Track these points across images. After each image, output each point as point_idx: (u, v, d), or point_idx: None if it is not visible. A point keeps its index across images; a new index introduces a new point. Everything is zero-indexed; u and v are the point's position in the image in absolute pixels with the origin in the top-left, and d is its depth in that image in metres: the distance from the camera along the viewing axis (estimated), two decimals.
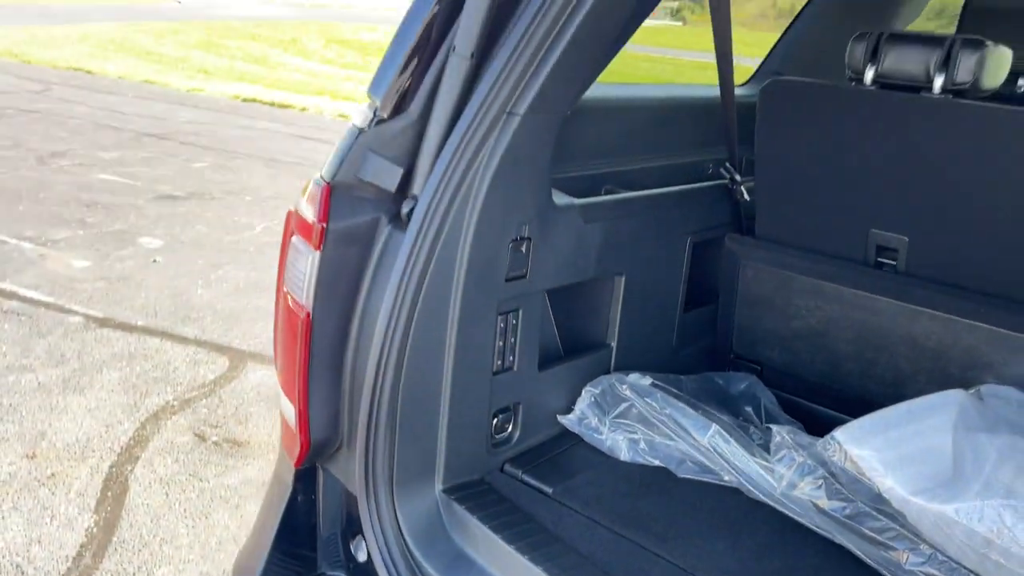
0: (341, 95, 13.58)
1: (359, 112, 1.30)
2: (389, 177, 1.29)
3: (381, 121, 1.29)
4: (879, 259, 1.79)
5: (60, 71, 12.59)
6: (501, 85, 1.26)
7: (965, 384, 1.63)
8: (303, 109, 11.46)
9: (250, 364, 3.83)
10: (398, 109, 1.29)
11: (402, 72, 1.27)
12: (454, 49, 1.25)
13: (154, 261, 5.05)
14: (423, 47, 1.28)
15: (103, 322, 4.13)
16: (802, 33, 2.51)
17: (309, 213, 1.29)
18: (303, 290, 1.29)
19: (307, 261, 1.28)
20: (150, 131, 8.84)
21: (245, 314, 4.38)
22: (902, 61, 1.60)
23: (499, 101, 1.26)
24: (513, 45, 1.25)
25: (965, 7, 2.39)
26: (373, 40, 24.71)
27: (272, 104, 11.65)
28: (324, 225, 1.26)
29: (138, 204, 6.19)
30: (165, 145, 8.25)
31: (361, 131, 1.28)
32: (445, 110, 1.27)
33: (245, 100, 11.79)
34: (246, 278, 4.89)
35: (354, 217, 1.29)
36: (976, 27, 2.36)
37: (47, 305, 4.26)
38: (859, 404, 1.77)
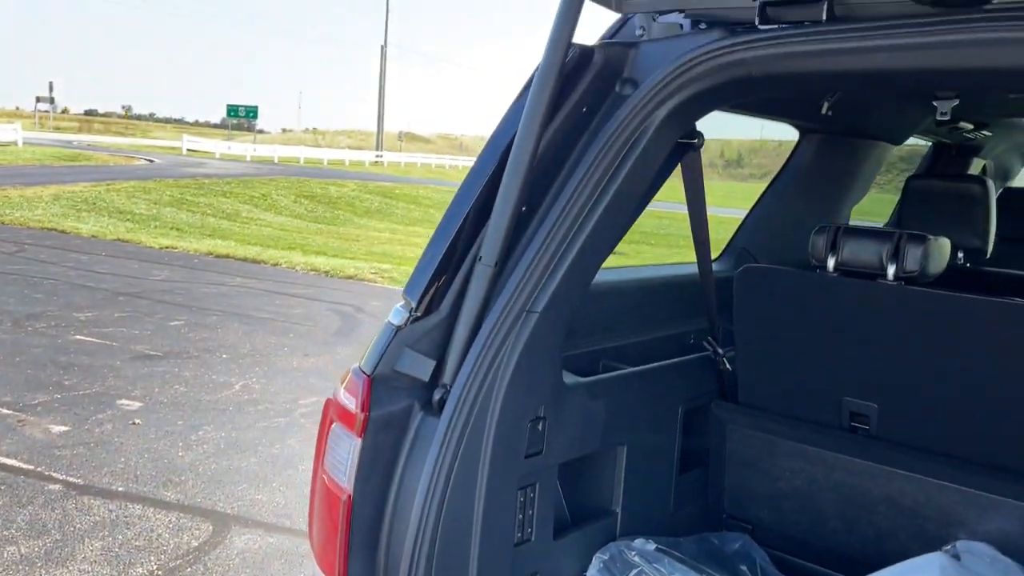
0: (312, 249, 13.94)
1: (396, 312, 1.48)
2: (422, 369, 1.45)
3: (416, 319, 1.46)
4: (853, 424, 1.96)
5: (33, 231, 12.79)
6: (522, 289, 1.45)
7: (941, 540, 1.77)
8: (275, 264, 11.72)
9: (235, 528, 3.82)
10: (430, 309, 1.47)
11: (434, 277, 1.46)
12: (480, 259, 1.45)
13: (133, 423, 5.05)
14: (452, 255, 1.47)
15: (84, 489, 4.10)
16: (765, 212, 2.81)
17: (350, 403, 1.43)
18: (345, 474, 1.41)
19: (348, 447, 1.41)
20: (125, 290, 8.96)
21: (227, 476, 4.38)
22: (858, 252, 1.84)
23: (520, 302, 1.45)
24: (532, 255, 1.45)
25: (905, 191, 2.72)
26: (342, 195, 25.55)
27: (245, 260, 11.90)
28: (366, 415, 1.40)
29: (115, 365, 6.23)
30: (140, 304, 8.36)
31: (398, 329, 1.45)
32: (472, 310, 1.45)
33: (218, 256, 12.04)
34: (227, 438, 4.91)
35: (391, 405, 1.44)
36: (914, 206, 2.68)
37: (27, 473, 4.23)
38: (845, 560, 1.89)
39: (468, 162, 66.24)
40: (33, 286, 8.77)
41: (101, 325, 7.38)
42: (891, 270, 1.80)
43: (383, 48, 61.69)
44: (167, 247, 12.47)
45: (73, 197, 16.92)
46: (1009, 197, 3.42)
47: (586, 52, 1.51)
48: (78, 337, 6.92)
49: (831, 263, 1.88)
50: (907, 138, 2.99)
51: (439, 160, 61.33)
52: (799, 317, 1.98)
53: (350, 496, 1.39)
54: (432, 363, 1.45)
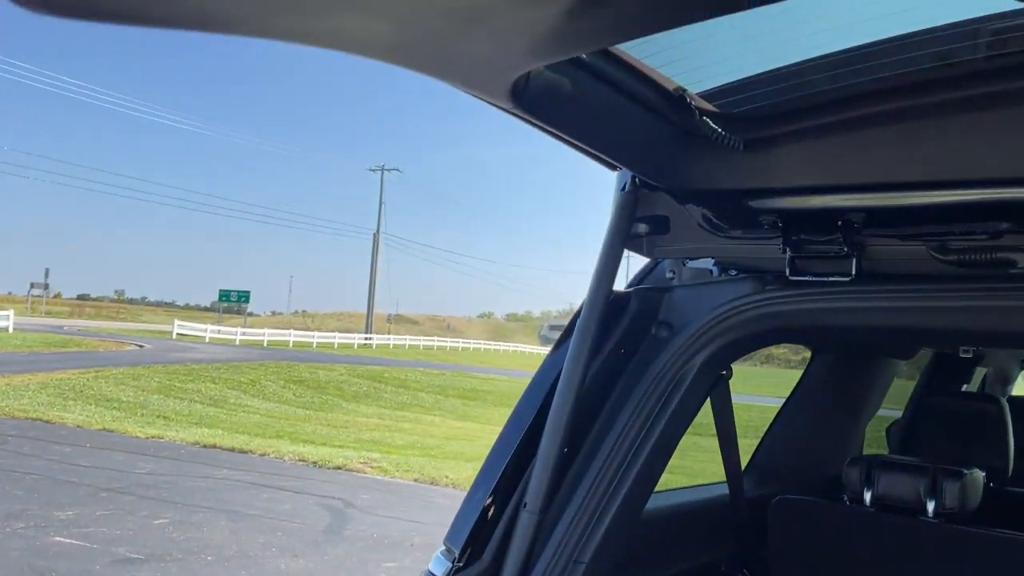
0: (300, 437, 13.70)
1: (437, 560, 1.43)
2: None
3: (458, 570, 1.41)
4: None
5: (18, 421, 12.56)
6: (568, 538, 1.42)
7: None
8: (263, 454, 11.47)
9: None
10: (472, 558, 1.43)
11: (477, 525, 1.43)
12: (525, 506, 1.43)
13: None
14: (494, 502, 1.45)
15: None
16: (783, 429, 2.81)
17: None
18: None
19: None
20: (108, 485, 8.69)
21: None
22: (895, 487, 1.83)
23: (567, 552, 1.42)
24: (579, 501, 1.43)
25: (918, 408, 2.75)
26: (330, 379, 25.44)
27: (232, 450, 11.65)
28: None
29: (94, 570, 5.92)
30: (124, 500, 8.08)
31: None
32: (517, 561, 1.41)
33: (205, 446, 11.79)
34: None
35: None
36: (930, 425, 2.69)
37: None
38: None
39: (455, 343, 66.65)
40: (14, 482, 8.49)
41: (82, 525, 7.09)
42: (931, 506, 1.78)
43: (375, 236, 63.89)
44: (153, 436, 12.23)
45: (60, 385, 16.77)
46: (1019, 406, 3.44)
47: (622, 298, 1.57)
48: (58, 539, 6.62)
49: (867, 497, 1.86)
50: (916, 353, 3.07)
51: (427, 342, 61.83)
52: (838, 552, 1.93)
53: None
54: None
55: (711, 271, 1.61)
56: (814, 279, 1.43)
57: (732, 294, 1.51)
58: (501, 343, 72.63)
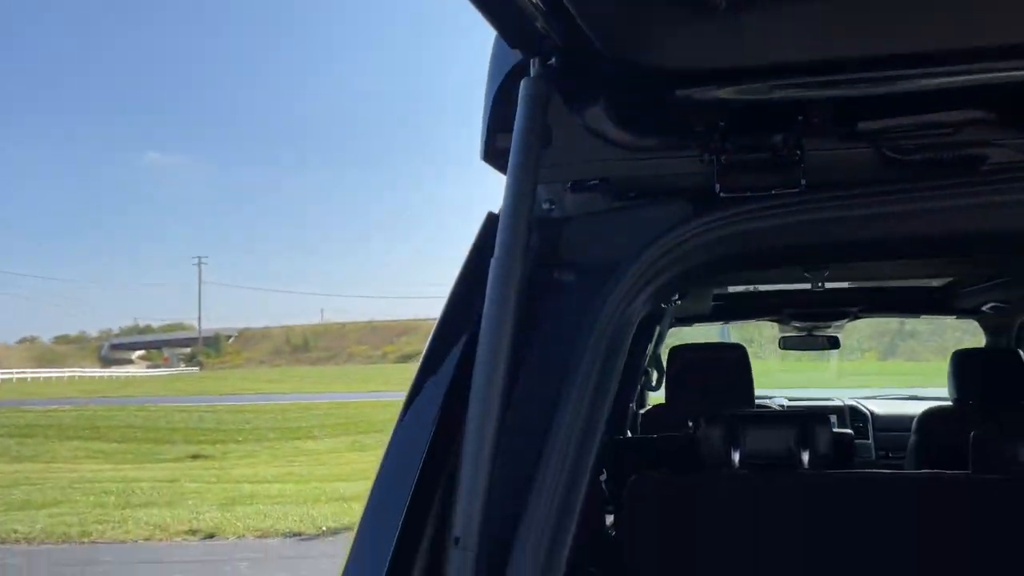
0: None
1: None
2: None
3: None
4: None
5: None
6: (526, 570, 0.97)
7: None
8: None
9: None
10: None
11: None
12: (456, 541, 0.95)
13: None
14: (407, 536, 1.01)
15: None
16: None
17: None
18: None
19: None
20: None
21: None
22: (763, 442, 1.66)
23: None
24: (534, 522, 1.00)
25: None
26: None
27: None
28: None
29: None
30: None
31: None
32: None
33: None
34: None
35: None
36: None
37: None
38: None
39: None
40: None
41: None
42: (805, 458, 1.65)
43: None
44: None
45: None
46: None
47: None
48: None
49: (736, 458, 1.66)
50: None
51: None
52: (710, 532, 1.65)
53: None
54: None
55: (604, 196, 1.25)
56: (754, 194, 1.15)
57: (657, 224, 1.17)
58: (52, 370, 60.90)
